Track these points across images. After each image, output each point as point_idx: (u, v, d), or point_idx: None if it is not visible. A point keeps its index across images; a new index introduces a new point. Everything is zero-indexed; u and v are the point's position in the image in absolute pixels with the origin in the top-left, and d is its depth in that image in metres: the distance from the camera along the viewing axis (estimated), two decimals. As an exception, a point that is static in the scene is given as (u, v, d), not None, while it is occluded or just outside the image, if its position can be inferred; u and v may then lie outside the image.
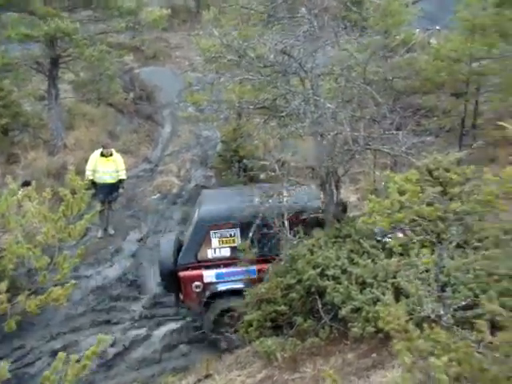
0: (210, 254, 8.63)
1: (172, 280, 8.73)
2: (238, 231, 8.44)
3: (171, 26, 26.78)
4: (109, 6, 14.26)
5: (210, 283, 8.52)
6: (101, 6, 14.39)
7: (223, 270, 8.45)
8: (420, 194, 4.05)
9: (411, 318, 3.72)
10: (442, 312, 3.87)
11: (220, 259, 8.57)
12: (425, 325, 3.15)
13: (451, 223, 4.84)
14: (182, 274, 8.57)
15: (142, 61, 22.53)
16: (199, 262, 8.62)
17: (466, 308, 4.28)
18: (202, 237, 8.56)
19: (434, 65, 13.40)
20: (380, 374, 4.84)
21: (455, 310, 4.13)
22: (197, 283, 8.52)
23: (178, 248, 8.89)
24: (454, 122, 14.84)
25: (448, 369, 2.78)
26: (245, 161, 9.97)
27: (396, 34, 17.32)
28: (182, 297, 8.91)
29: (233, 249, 8.51)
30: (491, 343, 3.05)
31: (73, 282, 4.32)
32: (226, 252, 8.59)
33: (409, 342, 3.15)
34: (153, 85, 19.48)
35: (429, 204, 3.88)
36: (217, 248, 8.61)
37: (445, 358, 2.82)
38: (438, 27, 23.43)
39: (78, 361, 3.59)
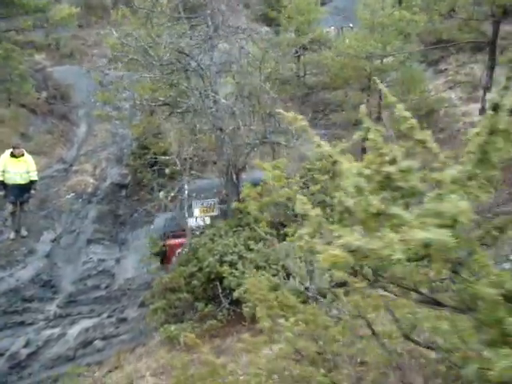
0: (191, 222, 8.88)
1: (162, 251, 8.98)
2: (216, 201, 8.77)
3: (88, 23, 26.35)
4: (14, 2, 13.95)
5: None
6: (5, 2, 14.05)
7: None
8: (290, 180, 4.48)
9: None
10: (308, 285, 4.32)
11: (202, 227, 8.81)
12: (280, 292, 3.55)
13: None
14: (167, 242, 8.84)
15: (57, 59, 22.05)
16: (183, 230, 8.83)
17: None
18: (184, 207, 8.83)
19: (338, 61, 14.12)
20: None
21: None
22: (180, 250, 8.71)
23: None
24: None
25: (294, 328, 3.20)
26: (153, 157, 10.19)
27: (307, 31, 18.08)
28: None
29: (213, 217, 8.82)
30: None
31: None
32: (206, 221, 8.87)
33: (269, 309, 3.55)
34: (67, 84, 19.16)
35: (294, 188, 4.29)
36: (198, 217, 8.91)
37: (292, 319, 3.24)
38: (350, 24, 24.39)
39: None
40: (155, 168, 10.57)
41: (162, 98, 8.17)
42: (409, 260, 1.30)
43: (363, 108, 2.08)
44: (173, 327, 6.48)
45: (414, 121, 1.89)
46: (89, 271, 11.19)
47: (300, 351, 3.19)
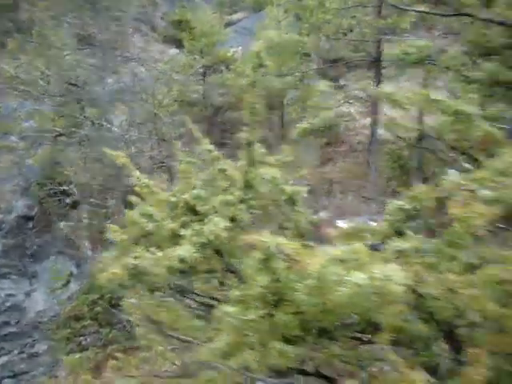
0: None
1: None
2: None
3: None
4: None
5: None
6: None
7: None
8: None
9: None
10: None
11: None
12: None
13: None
14: None
15: (-44, 91, 21.18)
16: None
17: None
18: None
19: (239, 82, 14.61)
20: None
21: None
22: None
23: None
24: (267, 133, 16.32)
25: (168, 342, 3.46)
26: (55, 187, 10.14)
27: (211, 53, 18.58)
28: None
29: None
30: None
31: None
32: None
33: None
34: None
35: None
36: None
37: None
38: (258, 44, 25.15)
39: None
40: (60, 198, 10.52)
41: (58, 129, 8.25)
42: (180, 273, 1.61)
43: (177, 143, 2.42)
44: (77, 355, 6.54)
45: (216, 153, 2.23)
46: (-4, 308, 10.87)
47: (175, 364, 3.44)
